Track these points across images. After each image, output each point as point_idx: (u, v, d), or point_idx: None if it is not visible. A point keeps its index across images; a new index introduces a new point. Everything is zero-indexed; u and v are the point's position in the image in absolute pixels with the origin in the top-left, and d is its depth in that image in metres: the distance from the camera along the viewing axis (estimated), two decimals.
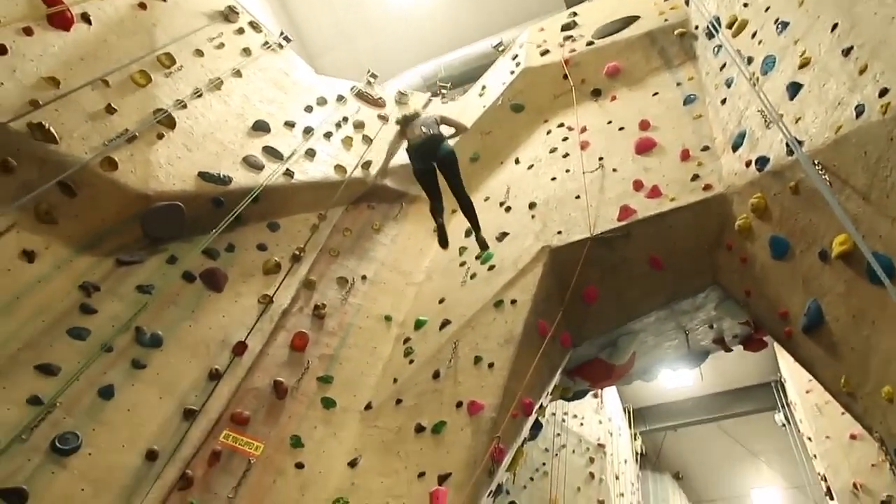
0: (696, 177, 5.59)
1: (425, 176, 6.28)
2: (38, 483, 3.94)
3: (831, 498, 8.02)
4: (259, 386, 5.37)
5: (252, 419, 5.14)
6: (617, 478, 10.41)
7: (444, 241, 6.29)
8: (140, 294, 5.07)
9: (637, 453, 12.34)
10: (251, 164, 6.32)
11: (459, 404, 5.16)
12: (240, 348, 5.33)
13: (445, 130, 6.75)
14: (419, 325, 6.32)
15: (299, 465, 5.08)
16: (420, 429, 5.19)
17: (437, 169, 6.28)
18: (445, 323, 6.04)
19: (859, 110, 3.31)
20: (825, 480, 8.14)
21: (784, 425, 10.98)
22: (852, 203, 3.43)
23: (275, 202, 6.46)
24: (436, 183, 6.30)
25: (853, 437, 7.93)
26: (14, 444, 3.83)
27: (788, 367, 9.88)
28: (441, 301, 6.44)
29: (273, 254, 6.23)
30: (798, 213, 4.11)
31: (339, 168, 7.25)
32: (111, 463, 4.28)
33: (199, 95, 6.28)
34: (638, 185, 5.94)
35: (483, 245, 6.21)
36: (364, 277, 6.79)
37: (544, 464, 8.60)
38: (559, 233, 6.05)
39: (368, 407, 5.69)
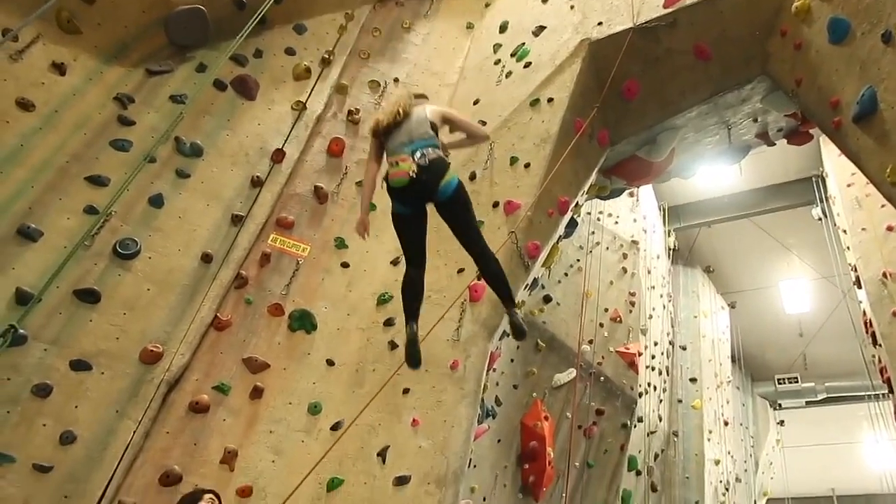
0: None
1: (410, 224, 3.80)
2: (108, 284, 4.28)
3: (859, 287, 8.22)
4: (300, 192, 5.52)
5: (297, 223, 5.35)
6: (649, 272, 10.78)
7: (414, 360, 3.69)
8: (174, 104, 5.08)
9: (670, 249, 12.65)
10: None
11: (496, 204, 5.26)
12: (278, 155, 5.41)
13: (446, 136, 4.12)
14: None
15: (345, 265, 5.36)
16: None
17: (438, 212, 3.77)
18: (481, 124, 5.94)
19: None
20: (855, 271, 8.30)
21: (821, 219, 11.00)
22: None
23: (299, 2, 6.14)
24: (423, 235, 3.84)
25: (889, 228, 7.93)
26: (79, 249, 4.08)
27: (831, 161, 9.67)
28: (476, 102, 6.29)
29: (302, 58, 6.05)
30: None
31: None
32: (171, 265, 4.59)
33: None
34: None
35: (519, 331, 3.69)
36: (396, 80, 6.61)
37: (578, 260, 8.90)
38: (599, 24, 5.69)
39: None
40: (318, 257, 5.30)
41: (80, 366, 3.97)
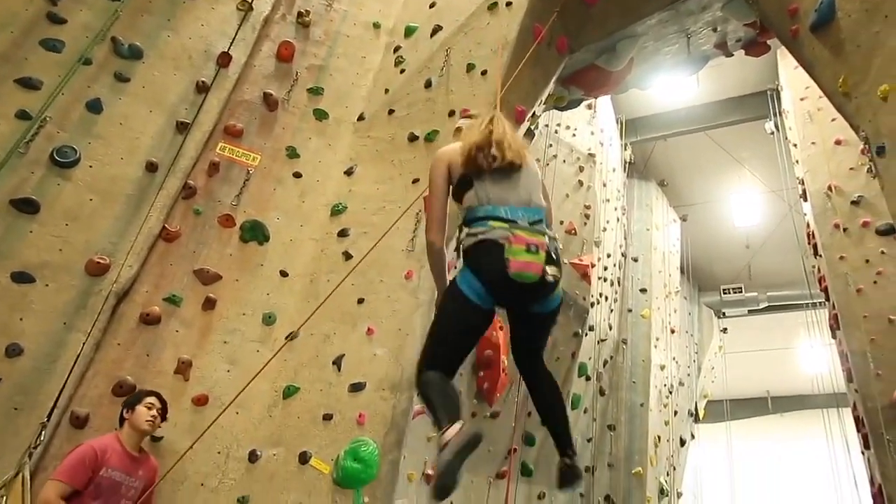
0: None
1: (474, 320, 2.73)
2: (47, 194, 4.10)
3: (805, 200, 8.44)
4: (249, 98, 5.31)
5: (246, 131, 5.17)
6: (605, 185, 10.85)
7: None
8: (109, 1, 4.73)
9: (626, 162, 12.72)
10: None
11: (452, 113, 5.15)
12: (224, 59, 5.16)
13: None
14: (409, 32, 6.01)
15: (297, 175, 5.24)
16: (413, 138, 5.24)
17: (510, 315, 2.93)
18: (437, 29, 5.74)
19: None
20: (802, 184, 8.50)
21: (773, 133, 11.14)
22: None
23: None
24: (478, 341, 2.99)
25: (838, 142, 8.08)
26: (14, 157, 3.88)
27: (787, 74, 9.71)
28: (432, 5, 6.04)
29: None
30: None
31: None
32: (113, 174, 4.40)
33: None
34: None
35: (571, 474, 2.72)
36: None
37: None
38: None
39: (361, 118, 5.67)
40: (269, 167, 5.16)
41: (22, 278, 3.85)
